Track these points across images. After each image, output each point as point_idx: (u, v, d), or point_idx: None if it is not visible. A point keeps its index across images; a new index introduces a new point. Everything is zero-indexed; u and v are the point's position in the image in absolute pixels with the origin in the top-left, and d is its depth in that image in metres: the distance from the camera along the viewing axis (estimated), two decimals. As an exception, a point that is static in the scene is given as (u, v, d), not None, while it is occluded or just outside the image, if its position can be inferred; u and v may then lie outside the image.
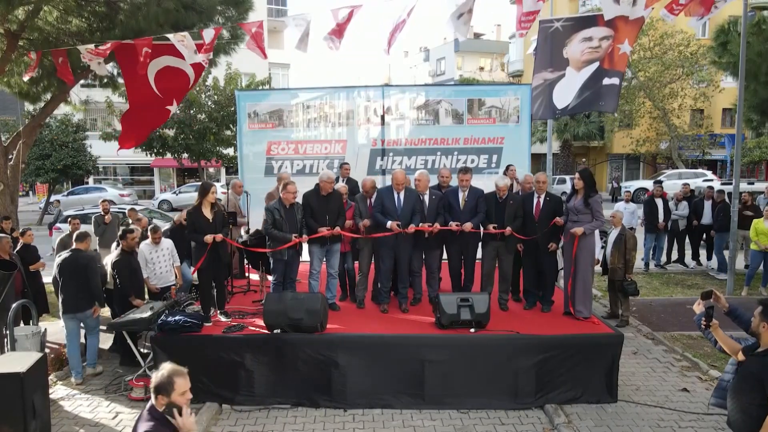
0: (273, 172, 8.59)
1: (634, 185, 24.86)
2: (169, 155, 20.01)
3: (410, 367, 5.35)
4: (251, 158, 8.74)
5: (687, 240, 11.13)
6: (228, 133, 19.17)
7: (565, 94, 8.65)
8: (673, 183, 20.71)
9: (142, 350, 6.10)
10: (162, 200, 25.40)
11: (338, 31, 6.05)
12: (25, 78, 8.72)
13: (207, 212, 5.61)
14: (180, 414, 2.65)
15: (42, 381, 4.68)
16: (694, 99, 25.85)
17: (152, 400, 2.73)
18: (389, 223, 5.85)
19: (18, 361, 4.50)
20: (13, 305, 5.63)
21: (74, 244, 6.04)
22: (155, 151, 19.27)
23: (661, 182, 12.98)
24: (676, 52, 24.51)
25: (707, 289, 3.73)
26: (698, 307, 3.61)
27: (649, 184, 24.52)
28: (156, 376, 2.73)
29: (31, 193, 28.41)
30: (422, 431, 5.00)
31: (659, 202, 10.60)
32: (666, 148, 27.80)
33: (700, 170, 25.38)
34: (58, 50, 8.10)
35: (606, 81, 8.37)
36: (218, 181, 29.31)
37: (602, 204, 5.88)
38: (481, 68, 44.52)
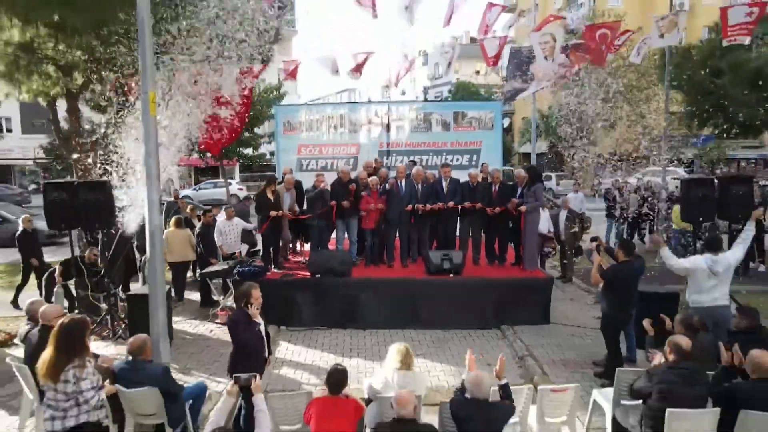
0: (303, 168, 11.06)
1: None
2: (195, 155, 22.47)
3: (409, 300, 7.84)
4: (286, 157, 11.21)
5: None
6: (246, 134, 21.56)
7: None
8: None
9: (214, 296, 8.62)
10: (184, 196, 27.82)
11: (358, 68, 8.54)
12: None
13: (270, 195, 8.12)
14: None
15: (167, 303, 7.11)
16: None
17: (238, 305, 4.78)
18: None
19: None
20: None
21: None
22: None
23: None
24: (652, 61, 26.96)
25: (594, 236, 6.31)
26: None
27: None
28: (240, 290, 4.73)
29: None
30: (417, 341, 7.46)
31: (616, 193, 13.15)
32: (643, 148, 30.21)
33: (671, 168, 27.81)
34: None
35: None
36: (233, 178, 31.83)
37: (543, 191, 8.36)
38: (477, 72, 46.97)
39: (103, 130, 12.68)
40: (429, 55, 52.94)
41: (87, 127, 12.41)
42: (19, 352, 5.94)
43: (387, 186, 8.42)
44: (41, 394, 4.38)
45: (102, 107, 12.38)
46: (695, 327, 4.42)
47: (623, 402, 4.37)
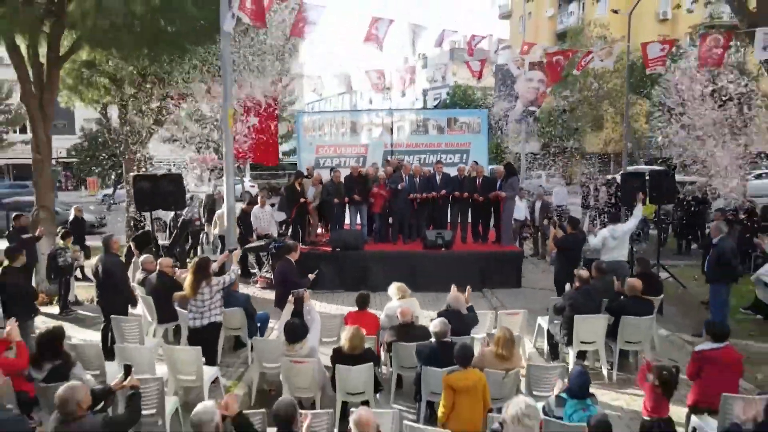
0: (320, 165, 13.09)
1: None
2: (213, 154, 24.54)
3: (409, 269, 9.89)
4: (306, 155, 13.26)
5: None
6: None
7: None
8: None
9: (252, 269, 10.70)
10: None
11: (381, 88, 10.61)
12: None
13: (297, 186, 10.20)
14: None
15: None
16: (651, 106, 30.38)
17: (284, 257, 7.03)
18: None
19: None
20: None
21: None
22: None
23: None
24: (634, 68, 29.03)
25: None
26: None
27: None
28: (288, 245, 7.06)
29: (82, 187, 33.04)
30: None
31: (591, 186, 15.25)
32: (629, 148, 32.35)
33: (654, 167, 29.90)
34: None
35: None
36: (244, 176, 33.87)
37: (518, 183, 10.44)
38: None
39: (145, 133, 14.70)
40: (428, 58, 55.07)
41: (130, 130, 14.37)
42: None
43: (399, 187, 10.41)
44: (159, 318, 6.48)
45: (146, 114, 14.46)
46: (604, 270, 6.51)
47: (554, 321, 6.45)
